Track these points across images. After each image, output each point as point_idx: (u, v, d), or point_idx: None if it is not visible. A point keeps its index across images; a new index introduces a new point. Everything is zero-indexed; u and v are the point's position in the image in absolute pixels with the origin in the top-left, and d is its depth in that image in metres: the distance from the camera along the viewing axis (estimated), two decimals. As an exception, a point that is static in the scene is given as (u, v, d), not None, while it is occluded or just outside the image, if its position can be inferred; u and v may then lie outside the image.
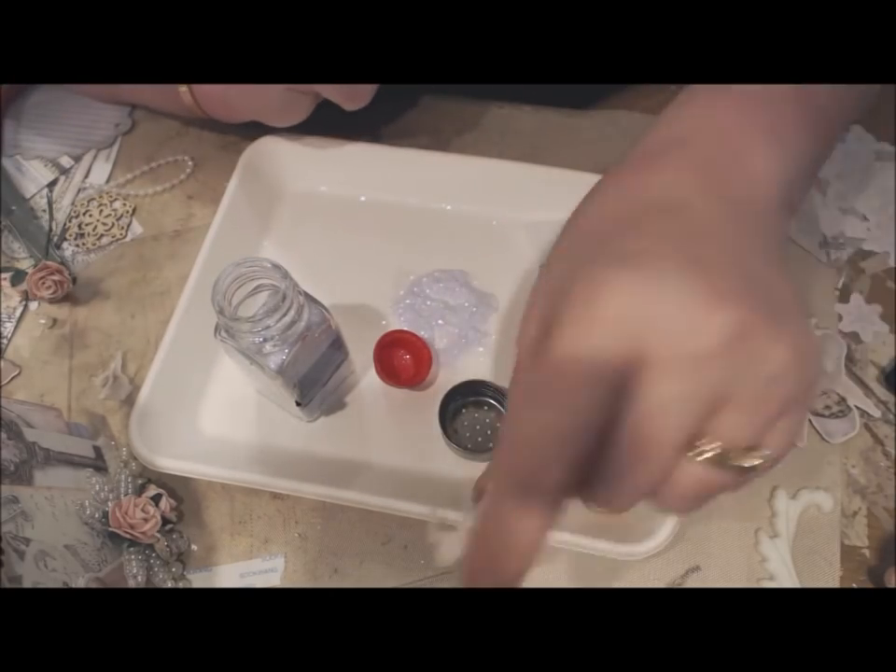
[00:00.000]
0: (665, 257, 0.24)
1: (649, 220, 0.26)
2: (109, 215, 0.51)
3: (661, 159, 0.28)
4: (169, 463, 0.40)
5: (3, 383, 0.46)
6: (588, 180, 0.48)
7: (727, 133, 0.29)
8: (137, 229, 0.51)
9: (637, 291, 0.23)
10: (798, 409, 0.24)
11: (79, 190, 0.53)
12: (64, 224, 0.51)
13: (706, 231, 0.25)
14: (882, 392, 0.43)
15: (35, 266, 0.48)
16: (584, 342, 0.23)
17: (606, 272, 0.24)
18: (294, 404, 0.40)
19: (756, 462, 0.24)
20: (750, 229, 0.26)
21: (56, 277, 0.47)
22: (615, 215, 0.27)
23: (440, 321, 0.45)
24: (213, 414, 0.44)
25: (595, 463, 0.24)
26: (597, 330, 0.23)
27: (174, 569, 0.40)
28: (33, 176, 0.53)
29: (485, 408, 0.43)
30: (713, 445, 0.23)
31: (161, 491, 0.40)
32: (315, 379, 0.40)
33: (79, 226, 0.51)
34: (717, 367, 0.22)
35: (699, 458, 0.23)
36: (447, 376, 0.44)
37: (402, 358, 0.44)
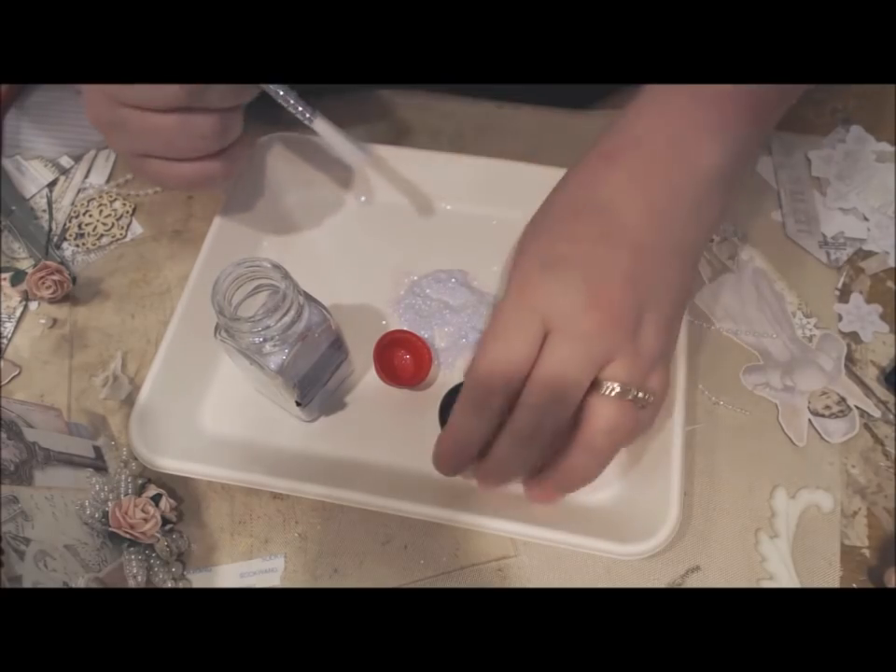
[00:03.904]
0: (574, 265, 0.35)
1: (581, 219, 0.36)
2: (109, 215, 0.51)
3: (616, 158, 0.36)
4: (169, 463, 0.40)
5: (3, 383, 0.46)
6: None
7: (676, 134, 0.36)
8: (137, 229, 0.51)
9: (548, 290, 0.35)
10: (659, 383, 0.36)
11: (79, 190, 0.53)
12: (64, 224, 0.51)
13: (621, 235, 0.35)
14: (882, 392, 0.43)
15: (35, 266, 0.48)
16: (515, 314, 0.35)
17: (532, 273, 0.35)
18: (294, 404, 0.40)
19: (646, 395, 0.34)
20: (673, 223, 0.36)
21: (56, 277, 0.47)
22: (560, 212, 0.37)
23: (439, 321, 0.45)
24: (213, 414, 0.44)
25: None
26: (522, 313, 0.35)
27: (174, 569, 0.40)
28: (33, 176, 0.53)
29: None
30: (614, 383, 0.34)
31: (160, 491, 0.40)
32: (314, 379, 0.40)
33: (79, 226, 0.51)
34: (595, 340, 0.33)
35: (607, 392, 0.34)
36: (447, 376, 0.44)
37: (402, 358, 0.44)
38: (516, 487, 0.41)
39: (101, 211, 0.51)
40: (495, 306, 0.37)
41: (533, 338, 0.34)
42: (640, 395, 0.34)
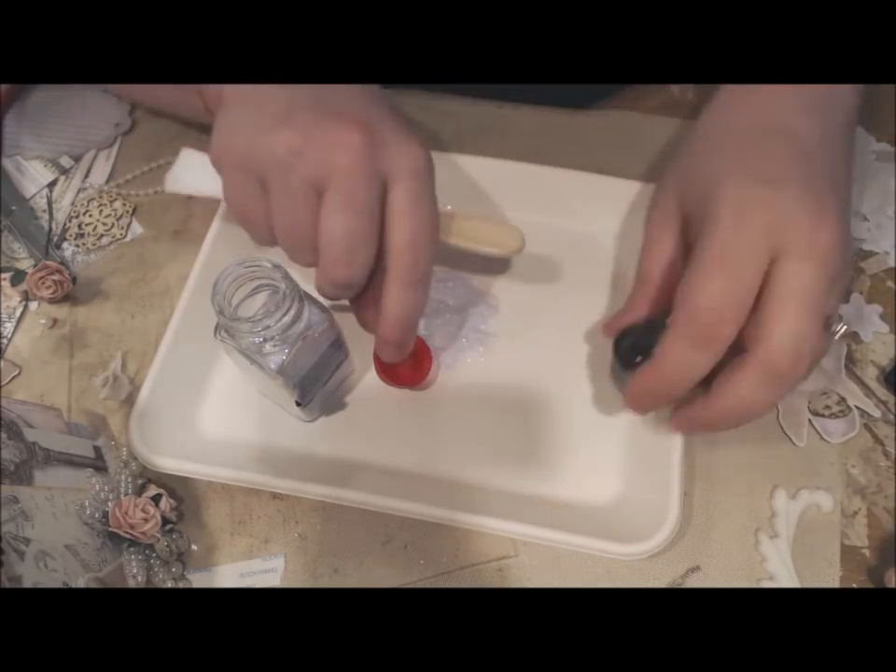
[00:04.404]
0: (789, 180, 0.33)
1: (771, 144, 0.35)
2: (109, 215, 0.51)
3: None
4: (169, 463, 0.40)
5: (3, 383, 0.46)
6: (587, 180, 0.48)
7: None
8: (137, 229, 0.51)
9: (774, 208, 0.32)
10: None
11: (79, 190, 0.53)
12: (64, 224, 0.51)
13: (810, 152, 0.35)
14: (882, 392, 0.43)
15: (35, 266, 0.48)
16: (739, 238, 0.32)
17: (751, 191, 0.33)
18: (294, 404, 0.40)
19: (839, 330, 0.35)
20: (838, 145, 0.37)
21: (56, 277, 0.47)
22: (742, 135, 0.36)
23: (439, 321, 0.45)
24: (213, 414, 0.44)
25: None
26: (748, 234, 0.32)
27: (174, 569, 0.40)
28: (33, 176, 0.53)
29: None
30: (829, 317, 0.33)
31: (160, 491, 0.40)
32: (315, 379, 0.40)
33: (79, 226, 0.51)
34: (831, 264, 0.32)
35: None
36: (447, 376, 0.44)
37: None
38: (515, 487, 0.41)
39: (101, 211, 0.51)
40: (709, 234, 0.33)
41: (764, 262, 0.32)
42: (835, 328, 0.34)
